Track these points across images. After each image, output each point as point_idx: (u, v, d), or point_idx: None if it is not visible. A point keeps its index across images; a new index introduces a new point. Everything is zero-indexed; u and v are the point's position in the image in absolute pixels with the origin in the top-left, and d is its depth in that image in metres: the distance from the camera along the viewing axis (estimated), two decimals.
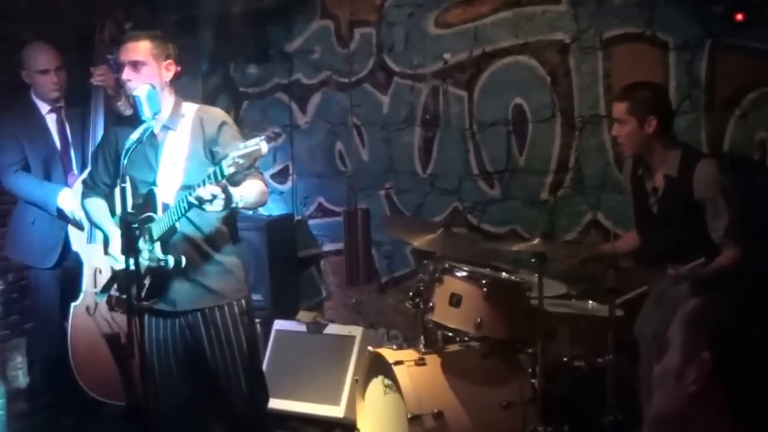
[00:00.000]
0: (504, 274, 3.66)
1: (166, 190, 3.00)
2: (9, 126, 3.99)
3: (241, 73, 4.98)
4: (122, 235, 2.77)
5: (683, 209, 3.23)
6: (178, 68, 3.11)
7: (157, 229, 2.97)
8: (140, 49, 3.00)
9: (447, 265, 3.47)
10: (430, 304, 3.43)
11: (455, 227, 3.71)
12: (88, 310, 3.87)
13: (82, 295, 3.90)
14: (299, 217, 4.91)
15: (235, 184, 2.92)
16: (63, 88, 4.03)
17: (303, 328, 4.38)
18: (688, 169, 3.22)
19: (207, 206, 2.77)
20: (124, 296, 3.00)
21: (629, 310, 3.33)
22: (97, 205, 3.24)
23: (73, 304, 3.91)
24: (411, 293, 3.60)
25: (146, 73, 2.98)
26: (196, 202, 2.78)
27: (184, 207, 2.85)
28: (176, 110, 3.09)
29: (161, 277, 3.02)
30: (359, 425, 3.62)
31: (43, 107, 4.04)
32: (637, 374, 3.48)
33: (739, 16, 3.50)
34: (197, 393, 3.20)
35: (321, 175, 4.83)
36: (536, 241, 3.30)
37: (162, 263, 2.97)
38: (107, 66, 3.98)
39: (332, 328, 4.34)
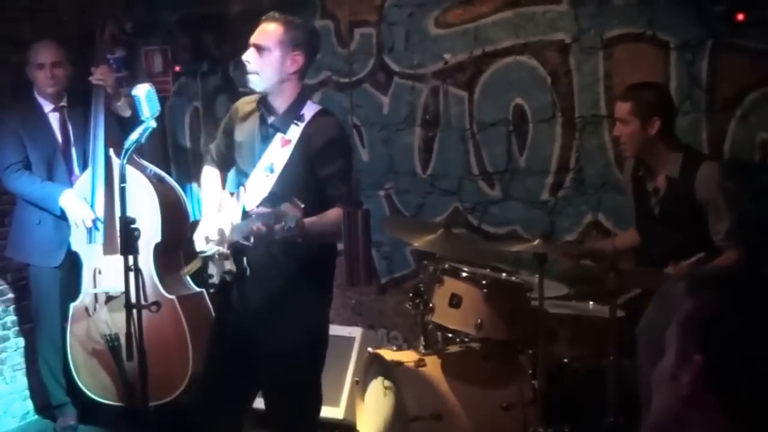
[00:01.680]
0: (504, 274, 3.66)
1: (252, 196, 2.82)
2: (10, 124, 3.98)
3: (240, 73, 4.96)
4: (121, 236, 2.77)
5: (684, 211, 3.22)
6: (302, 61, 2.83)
7: (232, 233, 2.81)
8: (268, 32, 2.79)
9: (447, 266, 3.47)
10: (430, 305, 3.43)
11: (455, 228, 3.70)
12: (87, 310, 3.87)
13: (81, 296, 3.90)
14: None
15: (321, 205, 2.76)
16: (61, 84, 4.01)
17: None
18: (689, 171, 3.21)
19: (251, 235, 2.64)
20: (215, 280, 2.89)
21: (630, 311, 3.32)
22: (209, 176, 3.09)
23: (72, 305, 3.91)
24: (411, 294, 3.60)
25: (268, 59, 2.78)
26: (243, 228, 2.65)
27: (243, 232, 2.71)
28: (295, 109, 2.85)
29: (230, 283, 2.88)
30: (359, 427, 3.61)
31: (46, 105, 4.04)
32: (637, 375, 3.48)
33: (740, 16, 3.50)
34: (244, 399, 3.07)
35: None
36: (537, 241, 3.29)
37: (226, 269, 2.82)
38: (107, 66, 3.98)
39: (332, 329, 4.30)
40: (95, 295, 3.86)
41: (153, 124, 2.86)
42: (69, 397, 4.14)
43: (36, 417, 4.43)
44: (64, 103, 4.07)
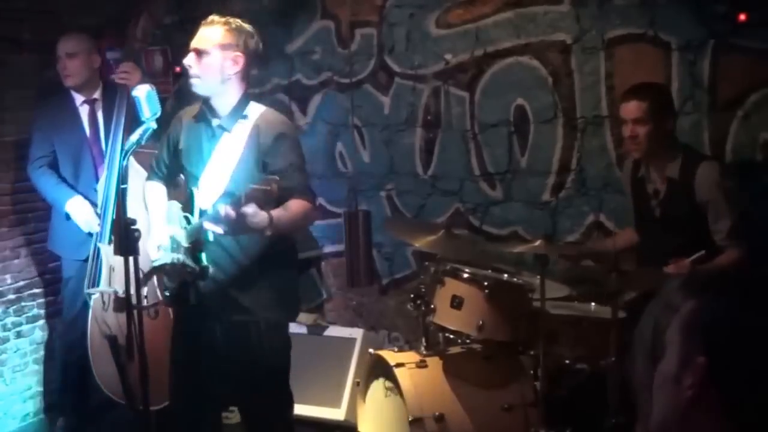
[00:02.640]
0: (506, 276, 3.65)
1: (207, 195, 2.86)
2: (41, 119, 4.03)
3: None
4: (121, 237, 2.76)
5: (685, 212, 3.22)
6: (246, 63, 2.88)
7: (189, 234, 2.86)
8: (207, 36, 2.86)
9: (448, 267, 3.46)
10: (432, 306, 3.42)
11: (457, 229, 3.69)
12: (103, 305, 3.88)
13: (98, 291, 3.90)
14: None
15: (280, 201, 2.77)
16: (77, 75, 3.99)
17: (303, 330, 4.36)
18: (689, 171, 3.21)
19: (222, 230, 2.64)
20: (167, 293, 2.96)
21: (632, 312, 3.31)
22: (155, 190, 3.13)
23: (92, 297, 3.92)
24: (412, 295, 3.59)
25: (207, 63, 2.83)
26: (212, 219, 2.66)
27: (202, 221, 2.74)
28: (239, 109, 2.90)
29: (194, 281, 2.91)
30: (360, 428, 3.60)
31: (77, 98, 4.07)
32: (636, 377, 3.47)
33: (742, 17, 3.49)
34: (215, 400, 3.13)
35: (321, 176, 4.80)
36: (538, 242, 3.28)
37: (188, 269, 2.84)
38: (132, 62, 3.95)
39: (333, 330, 4.33)
40: (106, 293, 3.87)
41: (153, 124, 2.86)
42: (76, 397, 4.15)
43: (36, 418, 4.42)
44: (96, 96, 4.06)
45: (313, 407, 4.08)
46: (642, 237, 3.47)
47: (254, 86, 4.92)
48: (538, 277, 3.26)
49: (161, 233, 2.95)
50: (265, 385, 3.02)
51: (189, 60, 2.86)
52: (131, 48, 4.01)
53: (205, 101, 2.95)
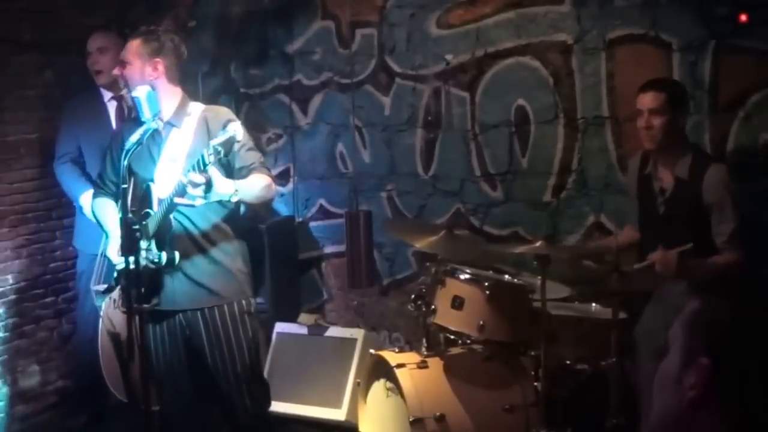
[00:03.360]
0: (506, 276, 3.65)
1: (163, 186, 2.97)
2: (68, 115, 4.10)
3: (241, 74, 4.97)
4: (122, 237, 2.76)
5: (690, 212, 3.22)
6: (164, 67, 3.06)
7: (152, 224, 2.97)
8: (128, 47, 3.07)
9: (449, 268, 3.46)
10: (432, 306, 3.42)
11: (457, 229, 3.69)
12: (114, 302, 3.88)
13: (100, 288, 3.91)
14: (300, 219, 4.89)
15: (240, 179, 2.92)
16: (108, 71, 3.93)
17: (304, 330, 4.36)
18: (699, 172, 3.21)
19: (189, 193, 2.73)
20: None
21: (633, 312, 3.32)
22: (104, 205, 3.25)
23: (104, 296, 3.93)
24: (413, 296, 3.59)
25: (129, 71, 3.04)
26: (176, 192, 2.77)
27: (169, 199, 2.84)
28: (181, 108, 3.08)
29: (159, 275, 3.01)
30: (361, 428, 3.60)
31: (106, 94, 4.11)
32: (638, 376, 3.47)
33: (743, 17, 3.49)
34: (200, 393, 3.18)
35: (322, 176, 4.81)
36: (539, 243, 3.28)
37: (155, 259, 2.96)
38: None
39: (334, 331, 4.33)
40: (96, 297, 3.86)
41: (154, 125, 2.87)
42: (89, 395, 4.16)
43: (37, 419, 4.42)
44: (124, 92, 4.07)
45: (314, 408, 4.09)
46: (644, 235, 3.46)
47: (255, 86, 4.96)
48: (539, 277, 3.25)
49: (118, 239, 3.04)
50: (243, 372, 3.10)
51: (116, 71, 3.11)
52: None
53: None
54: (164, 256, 2.96)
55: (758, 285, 3.22)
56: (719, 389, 0.94)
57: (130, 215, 2.80)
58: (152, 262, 2.96)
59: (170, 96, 3.08)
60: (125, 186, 2.76)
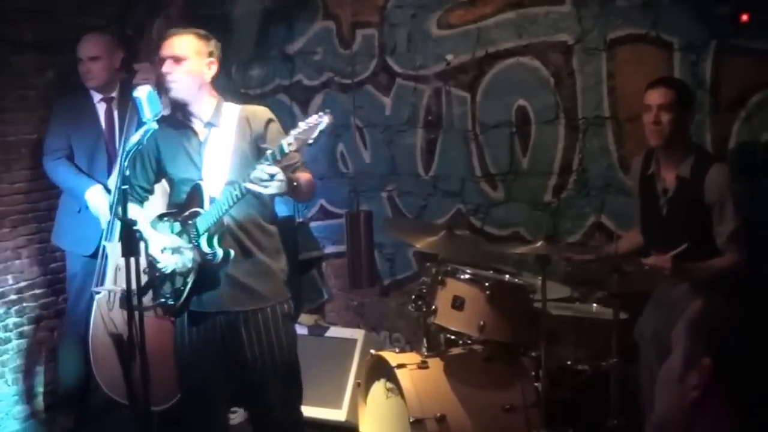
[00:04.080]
0: (507, 276, 3.65)
1: (212, 185, 2.96)
2: (59, 113, 4.07)
3: (242, 75, 4.97)
4: (121, 239, 2.75)
5: (692, 212, 3.21)
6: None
7: (204, 222, 2.94)
8: (183, 44, 2.99)
9: (450, 268, 3.46)
10: (433, 306, 3.42)
11: (458, 229, 3.69)
12: (108, 305, 3.87)
13: (104, 290, 3.90)
14: (300, 219, 4.89)
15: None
16: (98, 78, 4.01)
17: (304, 330, 4.36)
18: (701, 171, 3.20)
19: (264, 187, 2.73)
20: (162, 300, 3.05)
21: (634, 312, 3.31)
22: (134, 209, 3.17)
23: (96, 297, 3.92)
24: (413, 296, 3.59)
25: (187, 67, 2.98)
26: (253, 185, 2.74)
27: (237, 195, 2.82)
28: (218, 109, 3.06)
29: (204, 276, 2.97)
30: (361, 429, 3.61)
31: (95, 96, 4.09)
32: (639, 377, 3.46)
33: (744, 17, 3.49)
34: (224, 397, 3.15)
35: (323, 176, 4.80)
36: (539, 243, 3.28)
37: (209, 256, 2.93)
38: (150, 64, 3.97)
39: (334, 331, 4.33)
40: (113, 292, 3.87)
41: (155, 125, 2.86)
42: (76, 397, 4.15)
43: (37, 419, 4.42)
44: (114, 95, 4.10)
45: (315, 408, 4.07)
46: (647, 235, 3.46)
47: (256, 87, 4.96)
48: (540, 277, 3.25)
49: (159, 239, 3.03)
50: (282, 375, 3.06)
51: (167, 67, 2.98)
52: (149, 50, 4.01)
53: (180, 109, 3.06)
54: (220, 251, 2.92)
55: (762, 285, 3.23)
56: (722, 390, 0.94)
57: (169, 215, 2.85)
58: (206, 259, 2.93)
59: (211, 97, 3.06)
60: (125, 187, 2.75)
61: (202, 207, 2.96)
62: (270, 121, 3.06)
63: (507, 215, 4.23)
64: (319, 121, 2.65)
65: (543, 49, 4.02)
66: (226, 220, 2.95)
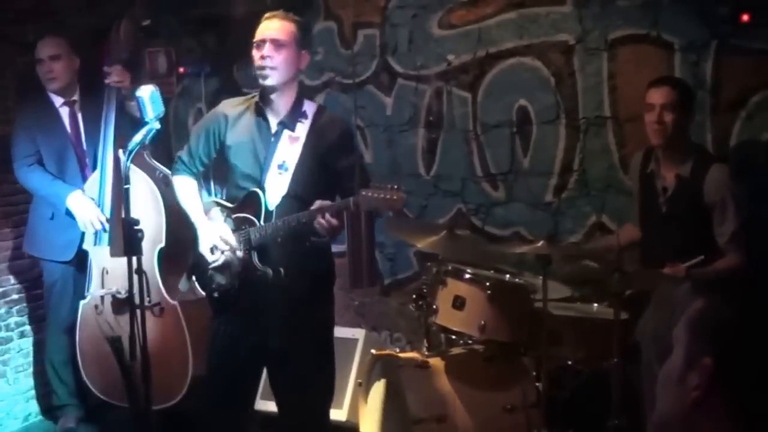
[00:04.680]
0: (508, 276, 3.66)
1: (272, 196, 2.87)
2: (23, 119, 4.02)
3: (244, 75, 4.96)
4: (124, 237, 2.76)
5: (691, 211, 3.22)
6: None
7: (256, 236, 2.85)
8: (286, 29, 2.86)
9: (450, 268, 3.47)
10: (434, 306, 3.42)
11: (459, 229, 3.69)
12: (96, 308, 3.87)
13: (89, 295, 3.90)
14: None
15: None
16: (61, 78, 3.99)
17: None
18: (700, 171, 3.21)
19: (316, 237, 2.68)
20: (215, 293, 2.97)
21: (634, 312, 3.31)
22: (188, 186, 3.09)
23: (81, 303, 3.91)
24: (414, 296, 3.60)
25: (285, 55, 2.84)
26: (308, 230, 2.69)
27: (293, 227, 2.75)
28: (297, 107, 2.92)
29: (251, 283, 2.89)
30: (362, 428, 3.61)
31: (57, 100, 4.05)
32: (640, 376, 3.47)
33: (745, 18, 3.49)
34: (248, 398, 3.11)
35: None
36: (540, 243, 3.28)
37: (259, 272, 2.85)
38: (122, 66, 3.95)
39: (335, 331, 4.31)
40: (101, 295, 3.86)
41: (157, 125, 2.85)
42: (73, 398, 4.15)
43: (39, 419, 4.43)
44: (75, 98, 4.07)
45: None
46: (645, 233, 3.46)
47: (257, 87, 4.94)
48: (540, 277, 3.26)
49: (210, 233, 2.93)
50: (318, 377, 3.01)
51: (268, 50, 2.83)
52: (116, 52, 3.97)
53: (263, 98, 2.93)
54: (271, 272, 2.83)
55: (762, 285, 3.23)
56: (722, 390, 0.94)
57: (223, 207, 2.80)
58: (257, 275, 2.85)
59: (294, 90, 2.93)
60: (127, 186, 2.74)
61: (258, 218, 2.87)
62: (345, 134, 2.94)
63: (508, 215, 4.23)
64: (393, 195, 2.55)
65: (544, 49, 4.03)
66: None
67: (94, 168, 3.99)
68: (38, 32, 4.13)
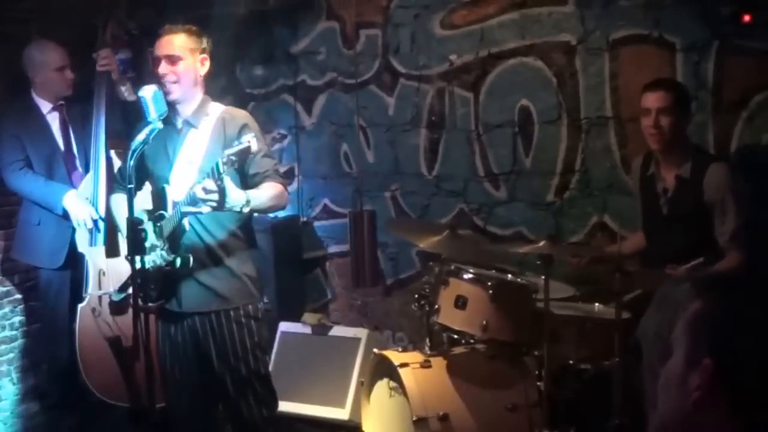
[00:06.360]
0: (510, 276, 3.66)
1: (178, 188, 2.97)
2: (9, 125, 3.97)
3: (246, 75, 4.98)
4: (128, 237, 2.77)
5: (692, 212, 3.22)
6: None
7: (166, 228, 2.97)
8: (176, 43, 3.00)
9: (453, 267, 3.47)
10: (436, 306, 3.43)
11: (461, 229, 3.70)
12: (94, 311, 3.87)
13: (87, 297, 3.90)
14: (305, 219, 4.91)
15: (253, 186, 2.93)
16: (72, 86, 4.02)
17: (308, 330, 4.37)
18: (700, 171, 3.21)
19: (201, 205, 2.73)
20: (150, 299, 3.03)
21: (636, 312, 3.32)
22: (122, 203, 3.15)
23: (79, 306, 3.91)
24: (416, 295, 3.60)
25: (183, 67, 2.99)
26: (189, 201, 2.78)
27: (180, 206, 2.85)
28: (202, 108, 3.07)
29: (170, 277, 3.01)
30: (364, 428, 3.61)
31: (45, 106, 4.01)
32: (642, 376, 3.47)
33: (747, 18, 3.48)
34: (207, 395, 3.17)
35: (326, 176, 4.82)
36: (542, 243, 3.29)
37: (169, 263, 2.96)
38: (109, 49, 3.94)
39: (337, 330, 4.34)
40: (99, 297, 3.86)
41: (160, 125, 2.87)
42: (76, 397, 4.16)
43: (43, 417, 4.44)
44: (62, 102, 4.05)
45: (318, 407, 4.09)
46: (648, 235, 3.46)
47: (259, 87, 4.97)
48: (542, 277, 3.26)
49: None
50: (248, 374, 3.09)
51: (163, 68, 2.98)
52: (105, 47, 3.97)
53: (171, 108, 3.02)
54: (179, 260, 2.95)
55: (763, 285, 3.23)
56: (724, 390, 0.94)
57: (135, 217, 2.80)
58: (167, 264, 2.96)
59: (196, 93, 3.07)
60: (131, 186, 2.76)
61: (165, 210, 2.98)
62: (244, 126, 3.02)
63: (510, 215, 4.24)
64: (246, 145, 2.64)
65: (546, 49, 4.03)
66: (195, 224, 2.96)
67: (87, 170, 3.98)
68: (40, 32, 4.13)
